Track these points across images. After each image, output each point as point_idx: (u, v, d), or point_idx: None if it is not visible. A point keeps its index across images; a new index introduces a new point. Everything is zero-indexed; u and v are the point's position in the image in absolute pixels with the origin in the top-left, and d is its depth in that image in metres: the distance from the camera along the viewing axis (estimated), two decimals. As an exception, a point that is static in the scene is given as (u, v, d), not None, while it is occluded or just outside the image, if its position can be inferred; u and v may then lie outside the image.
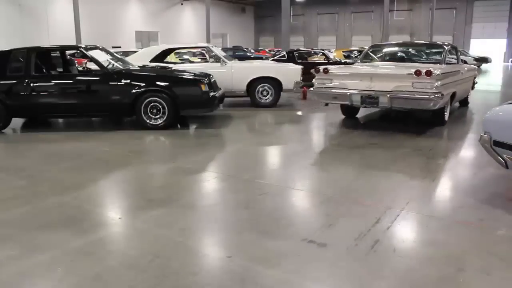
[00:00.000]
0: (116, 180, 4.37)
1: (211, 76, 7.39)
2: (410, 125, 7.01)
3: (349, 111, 7.76)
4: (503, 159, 3.48)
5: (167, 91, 6.61)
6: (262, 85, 9.03)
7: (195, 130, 6.94)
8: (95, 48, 7.26)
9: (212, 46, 9.53)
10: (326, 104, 7.42)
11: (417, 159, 4.97)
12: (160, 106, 6.68)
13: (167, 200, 3.70)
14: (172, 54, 12.32)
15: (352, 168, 4.64)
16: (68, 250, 2.78)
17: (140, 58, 8.83)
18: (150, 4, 33.65)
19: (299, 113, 8.73)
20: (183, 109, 6.78)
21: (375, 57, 7.92)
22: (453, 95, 7.02)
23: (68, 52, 9.22)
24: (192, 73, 7.31)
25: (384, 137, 6.13)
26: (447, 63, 7.10)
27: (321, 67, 6.88)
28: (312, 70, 6.99)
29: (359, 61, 7.93)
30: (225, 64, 8.86)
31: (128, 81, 6.64)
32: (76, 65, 9.08)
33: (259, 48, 37.64)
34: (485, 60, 26.26)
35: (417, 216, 3.29)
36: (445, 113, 6.90)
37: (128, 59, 8.41)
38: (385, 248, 2.76)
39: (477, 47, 35.28)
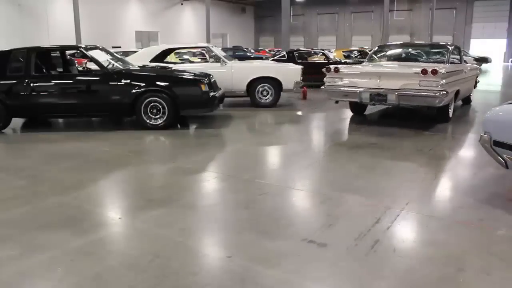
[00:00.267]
0: (116, 180, 4.37)
1: (211, 76, 7.39)
2: (410, 125, 7.01)
3: (357, 108, 8.10)
4: (503, 159, 3.48)
5: (167, 91, 6.61)
6: (262, 85, 9.03)
7: (195, 130, 6.94)
8: (95, 48, 7.26)
9: (212, 46, 9.53)
10: (336, 102, 7.74)
11: (417, 159, 4.97)
12: (160, 106, 6.68)
13: (167, 200, 3.70)
14: (172, 54, 12.33)
15: (352, 168, 4.64)
16: (68, 250, 2.78)
17: (140, 58, 8.83)
18: (150, 4, 33.65)
19: (299, 113, 8.73)
20: (183, 109, 6.78)
21: (382, 57, 8.20)
22: (457, 93, 7.29)
23: (68, 52, 9.22)
24: (192, 73, 7.31)
25: (383, 138, 6.13)
26: (451, 63, 7.34)
27: (332, 67, 7.23)
28: (323, 69, 7.36)
29: (366, 61, 8.19)
30: (225, 64, 8.86)
31: (128, 81, 6.64)
32: (76, 65, 9.08)
33: (259, 48, 37.63)
34: (485, 60, 26.24)
35: (417, 216, 3.29)
36: (449, 110, 7.18)
37: (128, 59, 8.41)
38: (385, 248, 2.76)
39: (477, 47, 35.27)
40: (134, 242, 2.93)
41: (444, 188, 4.00)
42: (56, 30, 25.99)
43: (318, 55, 15.39)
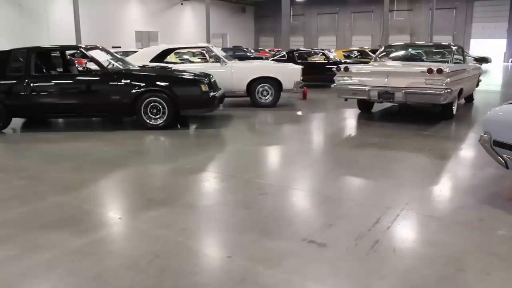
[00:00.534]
0: (116, 180, 4.37)
1: (211, 76, 7.39)
2: (410, 125, 7.01)
3: (364, 106, 8.38)
4: (503, 159, 3.48)
5: (167, 91, 6.61)
6: (262, 85, 9.03)
7: (195, 130, 6.94)
8: (95, 48, 7.26)
9: (212, 46, 9.53)
10: (346, 99, 7.96)
11: (417, 159, 4.97)
12: (160, 106, 6.68)
13: (167, 200, 3.70)
14: (172, 54, 12.30)
15: (352, 168, 4.64)
16: (68, 250, 2.78)
17: (140, 58, 8.83)
18: (150, 4, 33.64)
19: (299, 113, 8.73)
20: (183, 109, 6.78)
21: (388, 57, 8.55)
22: (460, 91, 7.59)
23: (68, 52, 9.22)
24: (192, 73, 7.31)
25: (383, 138, 6.13)
26: (454, 63, 7.63)
27: (342, 66, 7.59)
28: (334, 69, 7.70)
29: (373, 60, 8.49)
30: (225, 64, 8.86)
31: (128, 81, 6.64)
32: (76, 65, 9.08)
33: (259, 48, 37.58)
34: (485, 60, 26.22)
35: (417, 216, 3.29)
36: (453, 107, 7.47)
37: (128, 59, 8.41)
38: (385, 248, 2.76)
39: (477, 47, 35.25)
40: (134, 242, 2.93)
41: (444, 188, 4.00)
42: (56, 30, 25.98)
43: (318, 55, 15.38)
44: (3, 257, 2.71)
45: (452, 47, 7.99)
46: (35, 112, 6.95)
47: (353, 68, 7.54)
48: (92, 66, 8.01)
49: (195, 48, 13.13)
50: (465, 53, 8.57)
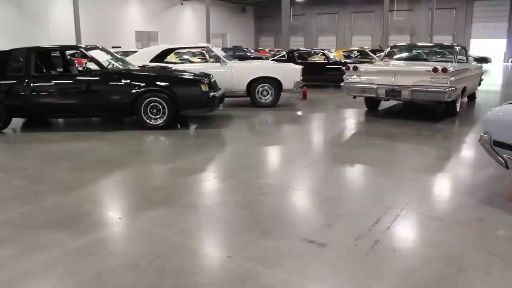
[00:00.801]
0: (116, 180, 4.37)
1: (211, 76, 7.39)
2: (410, 125, 7.01)
3: (371, 104, 8.70)
4: (503, 159, 3.48)
5: (167, 91, 6.61)
6: (262, 85, 9.03)
7: (195, 130, 6.94)
8: (95, 48, 7.26)
9: (212, 46, 9.53)
10: (354, 97, 8.35)
11: (417, 159, 4.97)
12: (160, 106, 6.68)
13: (167, 200, 3.70)
14: (172, 54, 12.31)
15: (352, 168, 4.64)
16: (68, 250, 2.78)
17: (140, 58, 8.83)
18: (150, 4, 33.64)
19: (299, 113, 8.73)
20: (183, 109, 6.78)
21: (395, 56, 8.85)
22: (463, 90, 7.89)
23: (68, 52, 9.22)
24: (192, 73, 7.31)
25: (383, 138, 6.14)
26: (458, 62, 7.93)
27: (351, 65, 7.92)
28: (343, 68, 8.09)
29: (379, 60, 8.88)
30: (225, 64, 8.86)
31: (128, 81, 6.64)
32: (76, 65, 9.08)
33: (259, 48, 37.56)
34: (485, 60, 26.20)
35: (417, 216, 3.29)
36: (457, 105, 7.82)
37: (128, 59, 8.41)
38: (385, 248, 2.76)
39: (477, 47, 35.25)
40: (134, 242, 2.93)
41: (444, 188, 4.00)
42: (56, 30, 25.98)
43: (318, 55, 15.38)
44: (3, 257, 2.71)
45: (455, 47, 8.31)
46: (35, 112, 6.95)
47: (362, 67, 7.85)
48: (92, 66, 8.01)
49: (195, 48, 13.13)
50: (468, 54, 8.81)
